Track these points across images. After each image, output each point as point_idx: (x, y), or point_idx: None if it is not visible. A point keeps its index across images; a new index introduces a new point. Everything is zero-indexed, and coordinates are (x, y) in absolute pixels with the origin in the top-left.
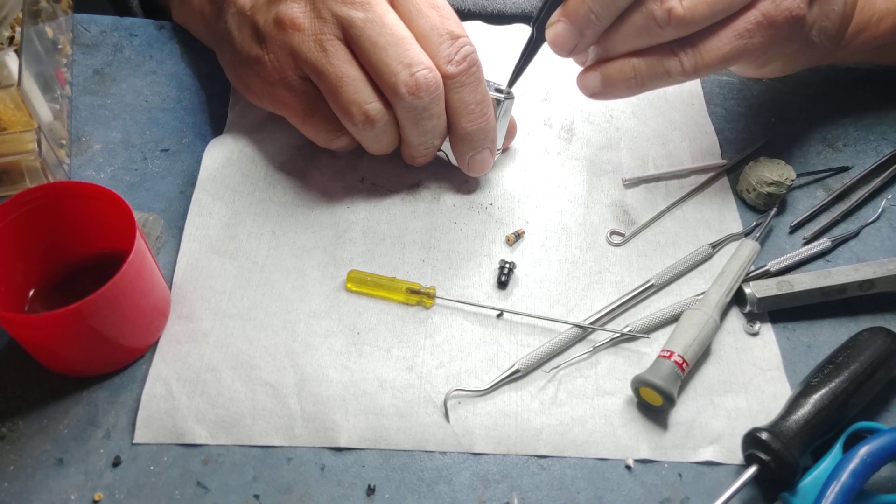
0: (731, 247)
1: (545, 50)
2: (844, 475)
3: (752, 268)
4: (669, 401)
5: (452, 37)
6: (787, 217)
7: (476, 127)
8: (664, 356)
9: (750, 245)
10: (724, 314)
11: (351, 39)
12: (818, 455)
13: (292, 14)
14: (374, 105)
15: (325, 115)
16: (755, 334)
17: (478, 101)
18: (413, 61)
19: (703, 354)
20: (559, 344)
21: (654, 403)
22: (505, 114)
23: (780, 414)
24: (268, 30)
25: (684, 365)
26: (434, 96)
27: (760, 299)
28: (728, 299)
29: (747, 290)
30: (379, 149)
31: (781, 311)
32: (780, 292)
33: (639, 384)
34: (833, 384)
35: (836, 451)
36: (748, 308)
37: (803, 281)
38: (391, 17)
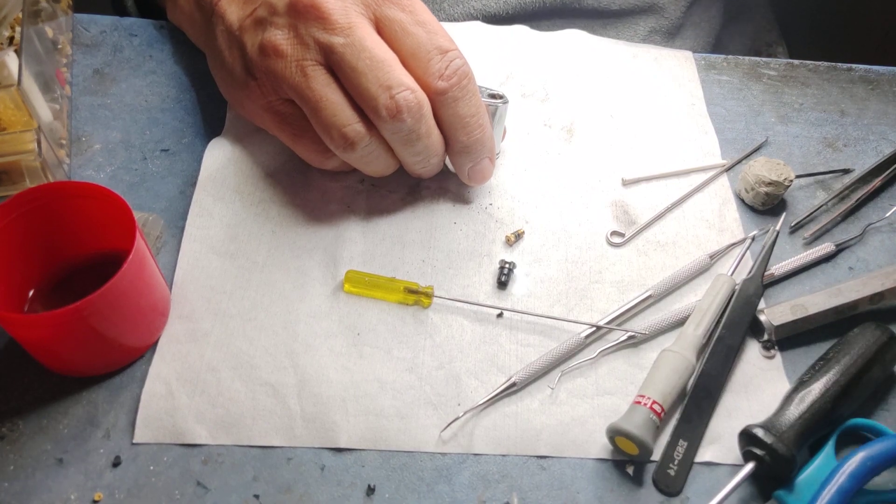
0: (730, 255)
1: (544, 50)
2: (842, 477)
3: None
4: (645, 451)
5: (441, 51)
6: (787, 217)
7: (473, 139)
8: (639, 402)
9: (727, 282)
10: (700, 354)
11: (333, 65)
12: (815, 453)
13: (275, 41)
14: (352, 127)
15: (313, 137)
16: (771, 358)
17: (472, 113)
18: (393, 83)
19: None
20: (557, 356)
21: (630, 453)
22: (500, 119)
23: (774, 411)
24: (253, 56)
25: (661, 413)
26: (417, 117)
27: (777, 326)
28: (704, 340)
29: (762, 318)
30: (373, 171)
31: None
32: (795, 317)
33: (614, 433)
34: (824, 378)
35: (828, 449)
36: (766, 336)
37: (816, 302)
38: (371, 41)
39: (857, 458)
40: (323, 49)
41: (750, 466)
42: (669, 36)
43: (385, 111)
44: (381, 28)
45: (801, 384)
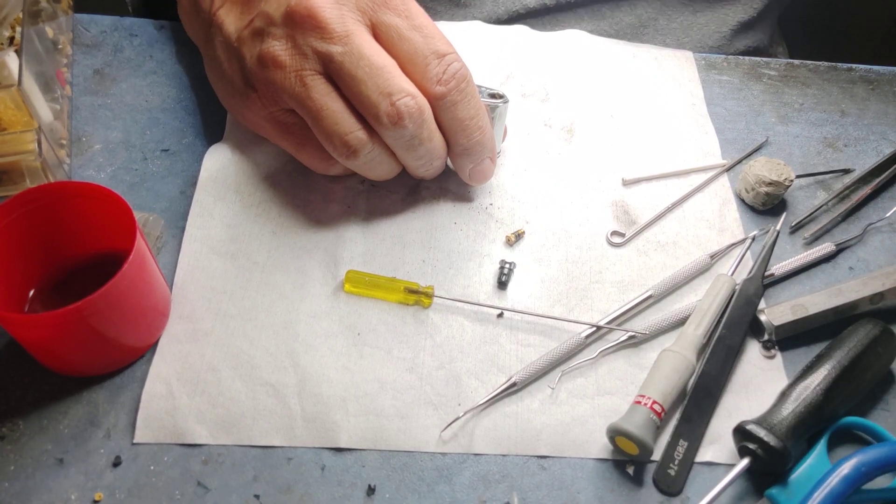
0: (731, 255)
1: (544, 50)
2: (835, 480)
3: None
4: (645, 451)
5: (438, 56)
6: (787, 217)
7: (473, 142)
8: (639, 402)
9: (727, 282)
10: (700, 354)
11: (333, 73)
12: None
13: (274, 52)
14: (354, 135)
15: (316, 145)
16: (772, 358)
17: (471, 115)
18: (393, 90)
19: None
20: (557, 356)
21: (630, 453)
22: (500, 118)
23: (769, 407)
24: (252, 67)
25: (662, 413)
26: (419, 122)
27: (778, 326)
28: (704, 340)
29: (763, 318)
30: (377, 176)
31: None
32: (795, 317)
33: (614, 433)
34: (816, 373)
35: (820, 447)
36: (766, 336)
37: (816, 302)
38: (370, 48)
39: (851, 463)
40: (321, 58)
41: (745, 462)
42: (750, 28)
43: (387, 118)
44: (377, 34)
45: (795, 381)
